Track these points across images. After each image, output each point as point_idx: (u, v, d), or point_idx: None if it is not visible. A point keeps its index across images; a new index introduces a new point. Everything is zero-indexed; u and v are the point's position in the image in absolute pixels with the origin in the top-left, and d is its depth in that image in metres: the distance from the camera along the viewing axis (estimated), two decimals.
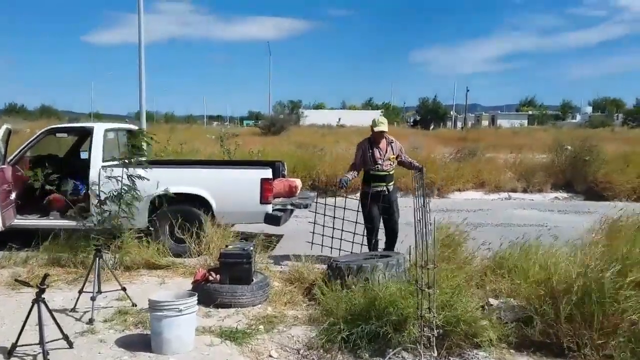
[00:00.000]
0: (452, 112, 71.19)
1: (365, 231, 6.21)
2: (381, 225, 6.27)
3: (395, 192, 6.43)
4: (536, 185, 13.46)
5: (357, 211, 6.23)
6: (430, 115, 71.12)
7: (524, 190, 13.40)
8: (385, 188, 6.23)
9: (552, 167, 13.99)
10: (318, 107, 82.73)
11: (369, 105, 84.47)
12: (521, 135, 31.20)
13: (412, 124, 66.37)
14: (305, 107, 71.27)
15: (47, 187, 5.83)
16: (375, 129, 6.24)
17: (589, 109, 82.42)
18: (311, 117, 59.15)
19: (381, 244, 6.20)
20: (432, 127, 61.22)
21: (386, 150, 6.27)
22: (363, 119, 50.57)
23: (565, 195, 13.29)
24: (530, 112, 77.62)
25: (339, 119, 58.28)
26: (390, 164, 6.29)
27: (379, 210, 6.16)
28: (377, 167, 6.21)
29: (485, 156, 16.27)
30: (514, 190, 13.40)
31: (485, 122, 65.56)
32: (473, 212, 10.71)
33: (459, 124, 63.55)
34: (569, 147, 13.97)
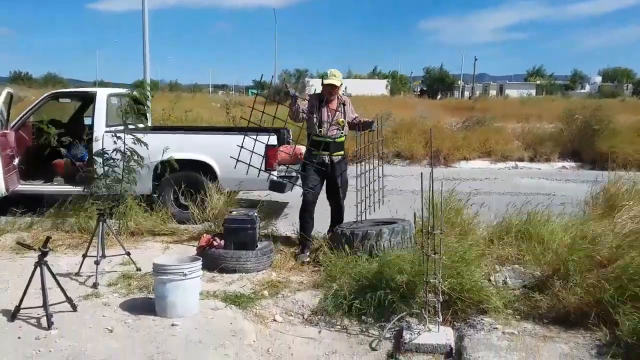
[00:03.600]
0: (459, 82, 70.23)
1: (300, 209, 5.39)
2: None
3: (344, 166, 5.42)
4: (543, 155, 13.35)
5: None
6: (437, 84, 70.22)
7: (531, 160, 13.30)
8: (328, 158, 5.28)
9: (560, 137, 13.82)
10: (323, 76, 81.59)
11: (375, 74, 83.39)
12: (529, 104, 30.77)
13: (418, 93, 65.58)
14: (311, 76, 70.50)
15: (60, 149, 5.80)
16: (325, 82, 5.23)
17: (599, 79, 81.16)
18: (317, 86, 58.54)
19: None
20: (439, 96, 60.49)
21: (335, 114, 5.22)
22: (369, 88, 50.09)
23: (572, 164, 13.17)
24: (538, 82, 76.51)
25: (345, 88, 57.68)
26: (337, 130, 5.27)
27: (320, 185, 5.35)
28: (321, 131, 5.21)
29: (494, 125, 16.09)
30: (521, 160, 13.29)
31: (493, 92, 64.76)
32: (479, 180, 10.64)
33: (467, 94, 62.78)
34: (579, 117, 13.77)
